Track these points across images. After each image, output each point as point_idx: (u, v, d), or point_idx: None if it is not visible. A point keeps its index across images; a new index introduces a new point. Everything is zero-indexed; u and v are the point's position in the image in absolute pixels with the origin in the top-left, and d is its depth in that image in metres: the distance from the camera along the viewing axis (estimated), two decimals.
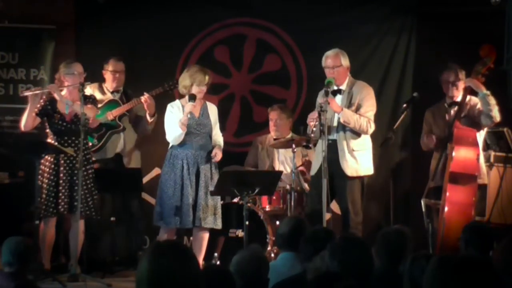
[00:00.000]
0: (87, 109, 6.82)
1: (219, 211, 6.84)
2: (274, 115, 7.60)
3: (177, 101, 6.94)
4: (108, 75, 7.58)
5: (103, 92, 7.54)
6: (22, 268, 4.36)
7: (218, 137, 6.98)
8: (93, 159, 7.32)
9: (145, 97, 7.29)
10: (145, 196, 7.88)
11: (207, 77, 6.81)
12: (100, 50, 8.03)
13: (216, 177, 6.78)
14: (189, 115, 6.78)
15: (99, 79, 7.62)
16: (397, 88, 7.93)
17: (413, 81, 7.87)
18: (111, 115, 7.41)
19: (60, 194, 6.80)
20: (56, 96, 6.88)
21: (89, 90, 7.43)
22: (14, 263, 4.32)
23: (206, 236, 6.83)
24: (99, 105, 7.37)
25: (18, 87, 8.07)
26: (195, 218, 6.73)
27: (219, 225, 6.83)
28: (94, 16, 8.14)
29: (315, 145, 7.04)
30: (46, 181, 6.82)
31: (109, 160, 7.51)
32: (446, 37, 7.72)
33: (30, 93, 6.94)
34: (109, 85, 7.59)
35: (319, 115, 6.44)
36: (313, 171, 6.83)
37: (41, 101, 6.96)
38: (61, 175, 6.83)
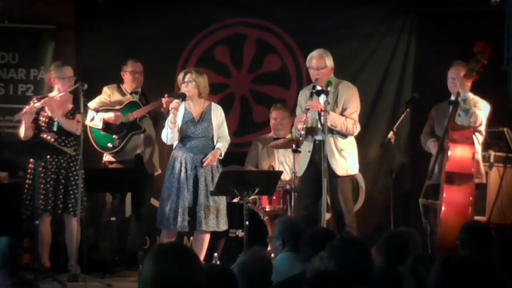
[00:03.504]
0: (72, 123, 6.86)
1: (223, 213, 6.84)
2: (278, 114, 7.59)
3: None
4: (127, 76, 7.57)
5: (122, 94, 7.55)
6: (13, 267, 4.36)
7: (221, 140, 6.94)
8: (114, 159, 7.40)
9: (165, 99, 7.29)
10: None
11: (180, 76, 6.86)
12: (100, 50, 8.04)
13: (217, 179, 6.77)
14: (183, 114, 6.79)
15: (98, 79, 7.61)
16: (397, 88, 7.93)
17: (413, 81, 7.87)
18: (132, 116, 7.41)
19: (50, 194, 6.86)
20: (47, 111, 6.94)
21: (107, 91, 7.47)
22: (4, 264, 4.32)
23: (207, 237, 6.84)
24: (119, 106, 7.40)
25: (18, 87, 8.07)
26: (196, 222, 6.72)
27: (222, 227, 6.83)
28: (94, 16, 8.14)
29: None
30: (40, 180, 6.86)
31: (129, 161, 7.50)
32: (446, 37, 7.72)
33: (25, 112, 6.97)
34: (128, 86, 7.58)
35: (319, 115, 6.45)
36: (300, 172, 6.82)
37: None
38: (50, 173, 6.88)
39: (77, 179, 6.92)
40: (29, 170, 6.95)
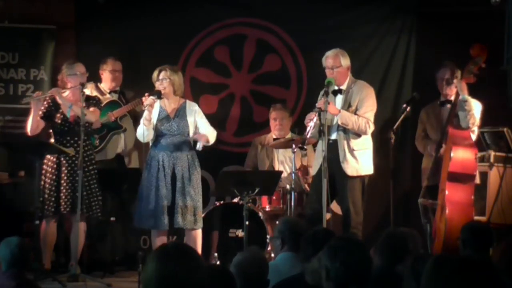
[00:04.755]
0: (89, 113, 6.82)
1: (199, 211, 6.73)
2: (277, 114, 7.58)
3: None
4: (106, 75, 7.58)
5: (101, 93, 7.53)
6: (22, 268, 4.36)
7: (205, 131, 6.81)
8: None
9: (146, 97, 7.26)
10: None
11: (155, 73, 6.79)
12: (100, 50, 8.03)
13: (195, 177, 6.70)
14: (158, 111, 6.74)
15: (98, 79, 7.61)
16: (397, 88, 7.94)
17: (413, 81, 7.87)
18: (112, 116, 7.39)
19: (61, 194, 6.81)
20: (58, 99, 6.88)
21: (87, 90, 7.43)
22: (13, 264, 4.31)
23: (198, 234, 6.73)
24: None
25: (18, 87, 8.07)
26: (173, 219, 6.66)
27: (199, 225, 6.73)
28: (94, 16, 8.14)
29: (314, 145, 7.04)
30: (48, 181, 6.84)
31: (110, 161, 7.50)
32: (446, 37, 7.72)
33: (32, 99, 6.92)
34: (106, 85, 7.58)
35: (319, 115, 6.44)
36: (314, 171, 6.82)
37: (45, 103, 6.96)
38: (63, 175, 6.84)
39: (91, 179, 6.91)
40: (43, 171, 6.88)
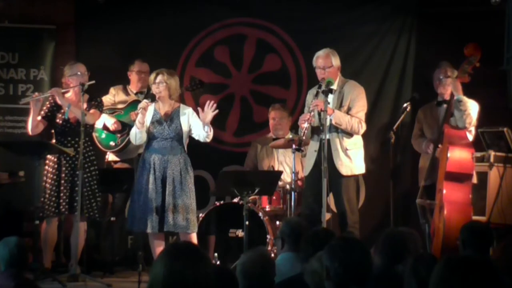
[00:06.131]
0: (89, 114, 6.82)
1: (192, 215, 6.61)
2: (276, 114, 7.59)
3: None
4: (133, 76, 7.62)
5: (127, 94, 7.60)
6: (20, 268, 4.36)
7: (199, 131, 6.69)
8: (118, 159, 7.37)
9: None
10: None
11: (152, 76, 6.74)
12: (100, 50, 8.04)
13: (186, 181, 6.60)
14: (152, 114, 6.68)
15: (99, 79, 7.60)
16: (397, 88, 7.94)
17: (413, 81, 7.87)
18: (134, 115, 7.40)
19: (62, 194, 6.81)
20: (58, 100, 6.88)
21: (113, 92, 7.49)
22: (11, 264, 4.31)
23: (193, 238, 6.65)
24: (122, 106, 7.40)
25: (18, 87, 8.07)
26: (165, 223, 6.56)
27: (192, 229, 6.60)
28: (94, 16, 8.14)
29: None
30: (49, 181, 6.84)
31: (132, 160, 7.50)
32: (446, 37, 7.73)
33: (31, 99, 6.92)
34: (134, 86, 7.63)
35: (319, 115, 6.44)
36: (306, 171, 6.80)
37: (47, 103, 6.96)
38: (63, 175, 6.85)
39: (91, 180, 6.91)
40: (45, 171, 6.88)
